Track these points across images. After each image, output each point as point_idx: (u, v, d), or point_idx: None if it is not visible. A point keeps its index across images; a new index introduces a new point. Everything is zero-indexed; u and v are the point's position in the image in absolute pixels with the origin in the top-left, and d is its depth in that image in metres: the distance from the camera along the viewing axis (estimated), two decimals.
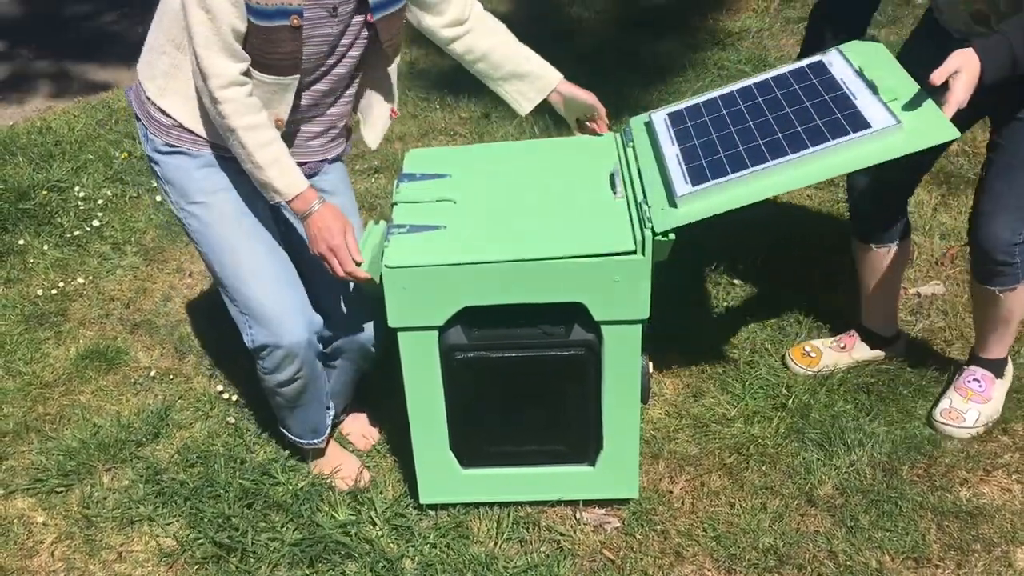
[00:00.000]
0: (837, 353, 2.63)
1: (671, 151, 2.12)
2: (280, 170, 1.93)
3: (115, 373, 2.80)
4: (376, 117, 2.23)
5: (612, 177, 2.07)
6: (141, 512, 2.32)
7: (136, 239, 3.42)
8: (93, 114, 4.29)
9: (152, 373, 2.79)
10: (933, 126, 1.91)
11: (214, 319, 2.97)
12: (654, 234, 1.94)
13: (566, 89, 2.22)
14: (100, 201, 3.61)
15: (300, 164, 2.06)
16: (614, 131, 2.33)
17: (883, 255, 2.51)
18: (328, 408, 2.34)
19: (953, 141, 1.92)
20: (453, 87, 4.40)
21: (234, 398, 2.66)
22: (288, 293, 2.07)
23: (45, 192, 3.63)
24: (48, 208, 3.56)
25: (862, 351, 2.63)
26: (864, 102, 2.00)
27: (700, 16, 4.91)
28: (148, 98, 2.03)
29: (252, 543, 2.20)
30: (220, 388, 2.70)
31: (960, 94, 1.89)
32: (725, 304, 2.92)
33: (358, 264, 1.95)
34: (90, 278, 3.23)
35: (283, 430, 2.36)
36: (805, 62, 2.21)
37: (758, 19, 4.79)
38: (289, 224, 2.22)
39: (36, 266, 3.30)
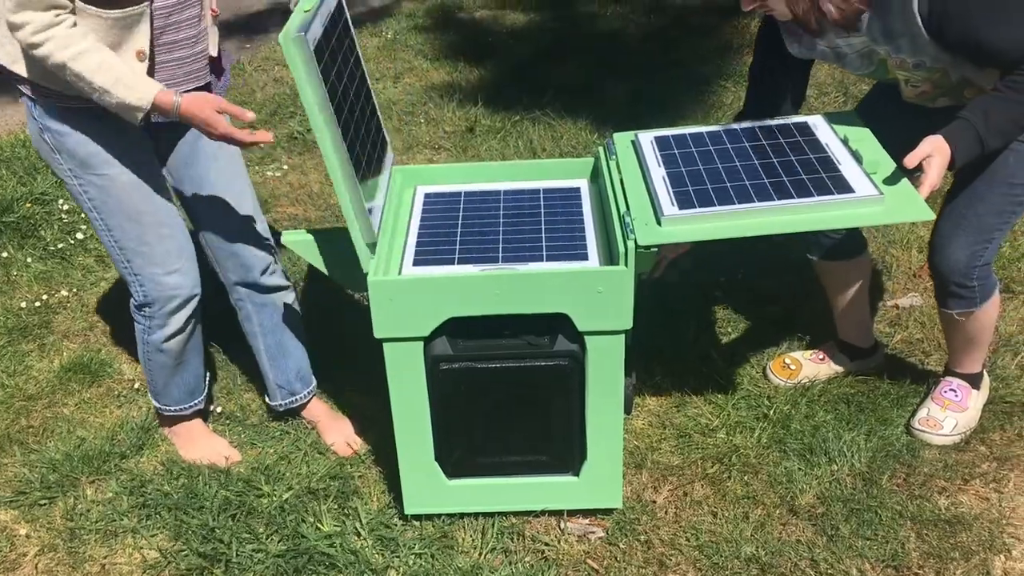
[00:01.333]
0: (816, 365, 2.66)
1: (658, 172, 2.17)
2: (125, 86, 1.91)
3: (99, 386, 2.80)
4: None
5: None
6: (125, 524, 2.32)
7: None
8: None
9: (136, 385, 2.79)
10: (911, 205, 2.00)
11: None
12: (637, 246, 1.97)
13: None
14: (84, 214, 3.60)
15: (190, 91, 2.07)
16: (597, 144, 2.36)
17: (848, 268, 2.54)
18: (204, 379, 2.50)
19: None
20: (437, 101, 4.42)
21: (217, 410, 2.66)
22: (188, 250, 2.24)
23: (29, 205, 3.63)
24: (32, 221, 3.56)
25: (841, 362, 2.66)
26: (848, 169, 2.09)
27: (681, 29, 4.97)
28: (8, 69, 2.00)
29: (236, 554, 2.20)
30: None
31: (935, 178, 1.97)
32: (707, 316, 2.95)
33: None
34: (74, 291, 3.23)
35: (160, 406, 2.47)
36: (790, 120, 2.31)
37: (738, 36, 4.86)
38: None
39: (19, 279, 3.29)
